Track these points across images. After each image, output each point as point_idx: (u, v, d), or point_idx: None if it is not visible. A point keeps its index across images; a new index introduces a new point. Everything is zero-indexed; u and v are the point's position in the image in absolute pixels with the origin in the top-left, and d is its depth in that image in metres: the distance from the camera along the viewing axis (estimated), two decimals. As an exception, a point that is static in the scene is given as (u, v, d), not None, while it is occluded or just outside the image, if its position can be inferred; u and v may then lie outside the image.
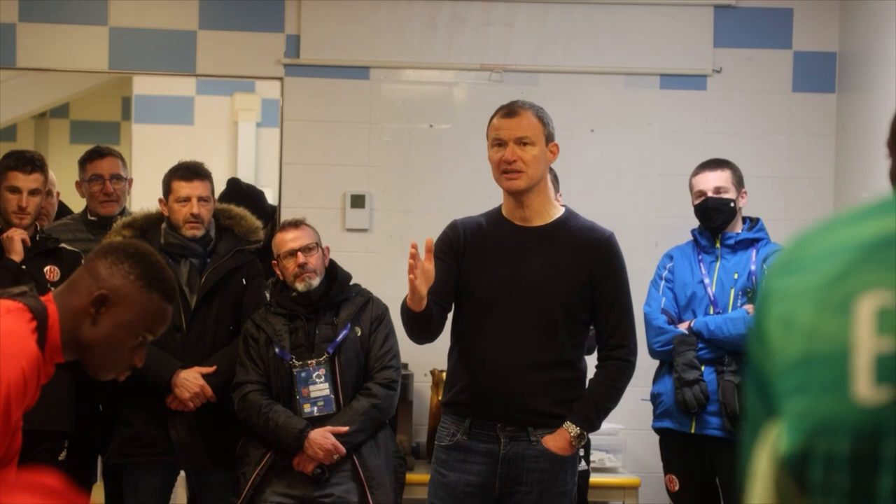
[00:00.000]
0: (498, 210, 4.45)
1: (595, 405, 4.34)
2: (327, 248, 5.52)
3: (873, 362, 0.93)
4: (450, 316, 4.45)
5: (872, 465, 0.93)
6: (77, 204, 6.50)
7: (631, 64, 6.82)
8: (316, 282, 5.39)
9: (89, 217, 6.04)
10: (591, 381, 4.39)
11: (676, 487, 5.54)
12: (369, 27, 6.77)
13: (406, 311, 4.23)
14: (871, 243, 0.96)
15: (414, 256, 4.05)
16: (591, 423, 4.35)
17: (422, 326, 4.28)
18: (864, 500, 0.93)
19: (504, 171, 4.27)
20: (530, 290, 4.28)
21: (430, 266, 4.09)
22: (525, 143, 4.26)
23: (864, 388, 0.94)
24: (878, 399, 0.93)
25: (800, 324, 0.97)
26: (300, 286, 5.36)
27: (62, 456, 5.35)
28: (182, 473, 5.76)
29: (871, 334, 0.94)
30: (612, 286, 4.34)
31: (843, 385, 0.94)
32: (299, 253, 5.37)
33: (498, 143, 4.30)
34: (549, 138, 4.32)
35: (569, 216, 4.40)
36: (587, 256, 4.32)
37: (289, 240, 5.42)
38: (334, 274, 5.49)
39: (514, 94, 6.44)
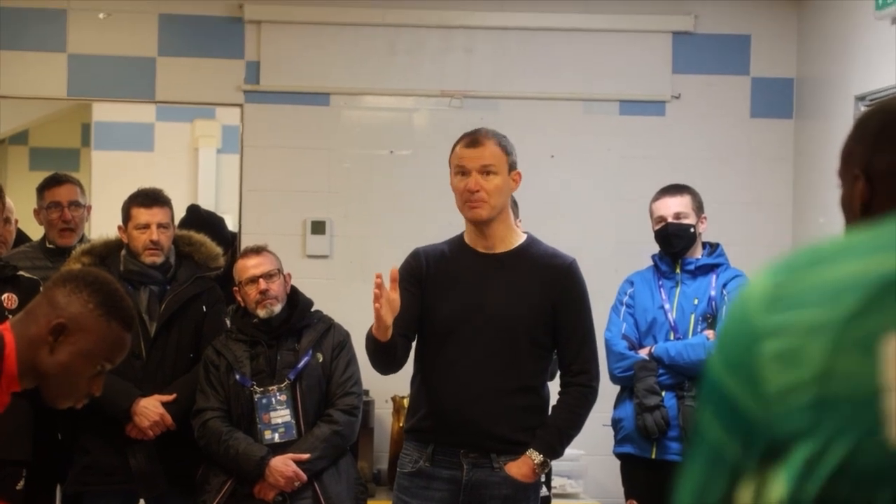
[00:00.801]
0: (460, 237, 4.45)
1: (558, 433, 4.34)
2: (289, 275, 5.51)
3: None
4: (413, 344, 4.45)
5: None
6: (35, 231, 6.45)
7: (590, 90, 6.85)
8: (277, 308, 5.38)
9: (48, 245, 6.00)
10: (553, 407, 4.39)
11: (637, 512, 5.54)
12: (329, 53, 6.77)
13: (371, 341, 4.22)
14: (884, 281, 0.92)
15: (379, 286, 4.05)
16: (555, 450, 4.35)
17: (387, 357, 4.27)
18: None
19: (467, 200, 4.28)
20: (493, 317, 4.28)
21: (395, 296, 4.09)
22: (488, 173, 4.27)
23: None
24: None
25: (810, 364, 0.94)
26: (262, 313, 5.34)
27: (20, 485, 5.30)
28: (142, 502, 5.72)
29: None
30: (575, 312, 4.35)
31: (874, 430, 0.91)
32: (261, 280, 5.35)
33: (461, 171, 4.30)
34: (512, 167, 4.33)
35: (531, 243, 4.41)
36: (549, 283, 4.32)
37: (250, 266, 5.40)
38: (296, 300, 5.48)
39: (474, 120, 6.46)
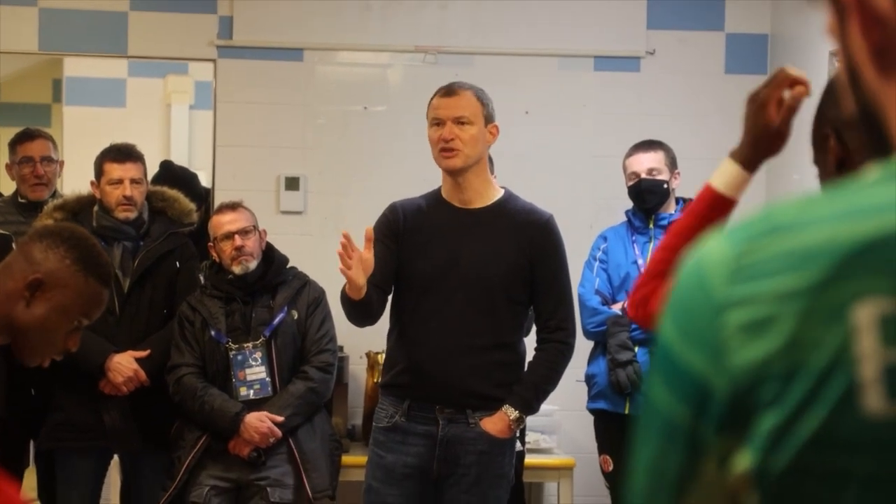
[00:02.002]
0: (437, 192, 4.46)
1: (534, 388, 4.35)
2: (264, 231, 5.49)
3: (883, 375, 0.89)
4: (389, 297, 4.45)
5: (892, 481, 0.90)
6: (7, 186, 6.42)
7: (564, 46, 6.83)
8: (253, 265, 5.37)
9: (19, 200, 5.98)
10: (530, 363, 4.40)
11: (611, 468, 5.57)
12: (303, 9, 6.73)
13: (345, 298, 4.22)
14: (855, 246, 0.91)
15: (344, 247, 4.03)
16: (530, 406, 4.36)
17: (362, 313, 4.28)
18: None
19: (441, 149, 4.28)
20: (469, 272, 4.29)
21: (368, 255, 4.08)
22: (463, 123, 4.28)
23: (877, 402, 0.89)
24: (894, 413, 0.89)
25: (779, 332, 0.92)
26: (237, 269, 5.33)
27: (-7, 441, 5.30)
28: (116, 458, 5.72)
29: (875, 345, 0.89)
30: (552, 268, 4.35)
31: (850, 399, 0.89)
32: (236, 236, 5.34)
33: (437, 122, 4.30)
34: (489, 119, 4.33)
35: (508, 198, 4.41)
36: (526, 238, 4.33)
37: (226, 222, 5.38)
38: (271, 257, 5.47)
39: (449, 75, 6.43)
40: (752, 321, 0.93)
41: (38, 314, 2.88)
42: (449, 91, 4.35)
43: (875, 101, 1.00)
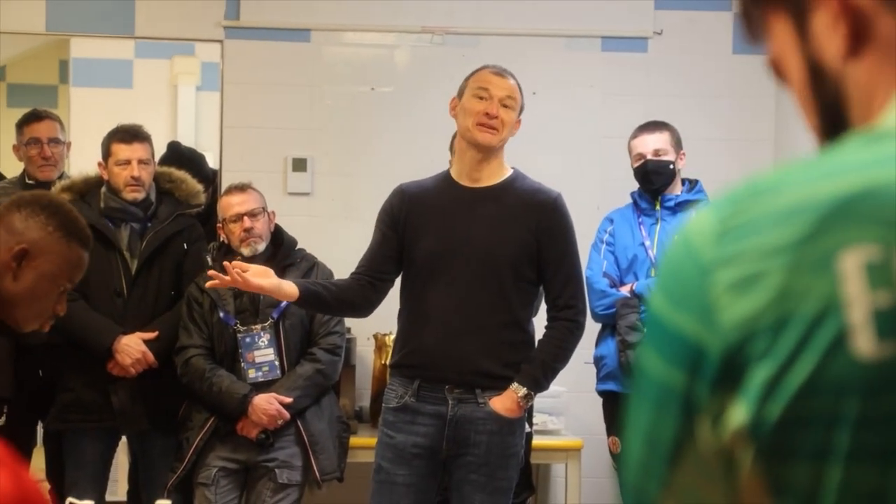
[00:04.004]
0: (446, 172, 4.49)
1: (543, 366, 4.35)
2: (273, 213, 5.50)
3: (871, 318, 0.92)
4: (398, 278, 4.49)
5: (884, 420, 0.92)
6: (15, 168, 6.42)
7: (572, 26, 6.82)
8: (262, 247, 5.37)
9: (27, 181, 5.98)
10: (539, 342, 4.41)
11: (619, 449, 5.58)
12: (310, -10, 6.72)
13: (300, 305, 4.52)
14: (837, 200, 0.94)
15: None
16: (539, 383, 4.36)
17: (340, 309, 4.55)
18: (870, 458, 0.93)
19: (483, 123, 4.30)
20: (478, 251, 4.30)
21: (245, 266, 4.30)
22: (507, 106, 4.32)
23: (866, 344, 0.92)
24: (884, 355, 0.92)
25: (767, 286, 0.95)
26: (246, 251, 5.33)
27: (1, 421, 5.31)
28: (124, 439, 5.73)
29: (863, 290, 0.92)
30: (560, 247, 4.36)
31: (840, 344, 0.92)
32: (245, 217, 5.34)
33: (484, 95, 4.33)
34: (521, 110, 4.39)
35: (516, 177, 4.43)
36: (534, 217, 4.33)
37: (235, 204, 5.39)
38: (280, 239, 5.48)
39: (456, 56, 6.44)
40: (740, 278, 0.96)
41: (26, 283, 2.93)
42: (500, 72, 4.42)
43: (839, 88, 1.05)
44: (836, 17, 1.04)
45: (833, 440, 0.93)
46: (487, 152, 4.35)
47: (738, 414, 0.95)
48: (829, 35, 1.05)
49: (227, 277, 4.22)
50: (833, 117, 1.07)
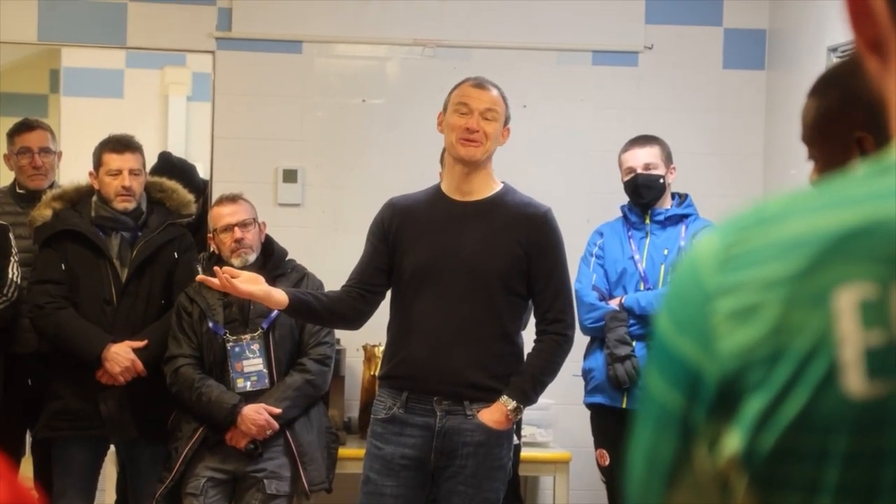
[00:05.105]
0: (437, 186, 4.50)
1: (532, 379, 4.36)
2: (264, 224, 5.51)
3: (863, 357, 0.92)
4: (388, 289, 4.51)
5: (872, 458, 0.93)
6: (6, 177, 6.42)
7: (563, 40, 6.83)
8: (252, 257, 5.38)
9: (18, 190, 5.98)
10: (528, 355, 4.42)
11: (607, 462, 5.59)
12: (302, 1, 6.73)
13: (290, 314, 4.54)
14: (837, 235, 0.94)
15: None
16: (528, 396, 4.38)
17: (330, 320, 4.55)
18: (857, 493, 0.93)
19: (465, 138, 4.31)
20: (467, 264, 4.31)
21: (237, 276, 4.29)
22: (488, 118, 4.32)
23: (857, 383, 0.92)
24: (874, 394, 0.92)
25: (764, 319, 0.95)
26: (236, 261, 5.33)
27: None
28: (112, 448, 5.73)
29: (856, 328, 0.92)
30: (550, 261, 4.37)
31: (831, 381, 0.92)
32: (236, 228, 5.35)
33: (464, 110, 4.34)
34: (506, 120, 4.40)
35: (506, 191, 4.44)
36: (524, 231, 4.35)
37: (226, 214, 5.40)
38: (270, 250, 5.49)
39: (447, 69, 6.45)
40: (739, 308, 0.96)
41: None
42: (480, 84, 4.42)
43: (878, 89, 1.03)
44: (854, 22, 1.02)
45: (822, 475, 0.93)
46: (473, 166, 4.36)
47: (733, 442, 0.96)
48: (854, 37, 1.03)
49: (216, 280, 4.22)
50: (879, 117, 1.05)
